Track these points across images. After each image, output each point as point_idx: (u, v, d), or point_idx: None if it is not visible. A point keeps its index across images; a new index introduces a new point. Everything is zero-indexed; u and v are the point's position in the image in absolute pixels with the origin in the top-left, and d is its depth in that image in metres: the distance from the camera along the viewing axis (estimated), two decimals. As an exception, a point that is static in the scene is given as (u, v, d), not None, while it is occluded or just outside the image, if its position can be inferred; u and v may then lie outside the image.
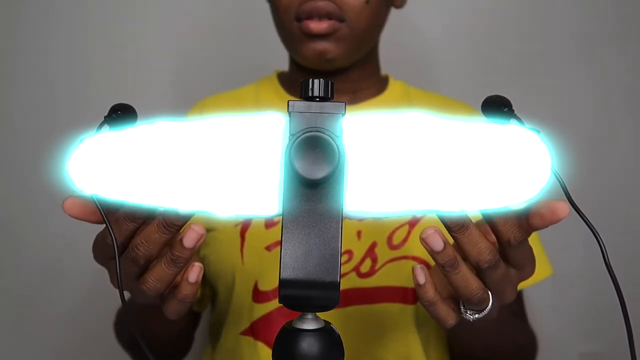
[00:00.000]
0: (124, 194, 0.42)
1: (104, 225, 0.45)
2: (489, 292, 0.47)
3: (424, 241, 0.44)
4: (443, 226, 0.44)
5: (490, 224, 0.45)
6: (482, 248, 0.44)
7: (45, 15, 1.17)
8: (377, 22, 0.79)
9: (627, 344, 0.43)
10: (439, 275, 0.49)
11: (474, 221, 0.44)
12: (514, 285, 0.49)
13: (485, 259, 0.44)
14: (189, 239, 0.44)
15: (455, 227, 0.43)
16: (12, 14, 1.17)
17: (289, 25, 0.76)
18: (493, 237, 0.46)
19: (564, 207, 0.44)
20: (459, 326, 0.50)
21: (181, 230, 0.45)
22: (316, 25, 0.73)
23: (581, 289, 1.19)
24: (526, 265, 0.48)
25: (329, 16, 0.73)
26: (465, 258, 0.46)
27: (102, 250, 0.47)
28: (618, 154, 1.20)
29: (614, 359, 1.17)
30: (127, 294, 0.48)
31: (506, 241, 0.45)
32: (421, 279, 0.46)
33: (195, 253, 0.78)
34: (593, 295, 1.16)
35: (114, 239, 0.43)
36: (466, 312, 0.49)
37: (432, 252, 0.44)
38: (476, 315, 0.48)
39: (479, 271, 0.46)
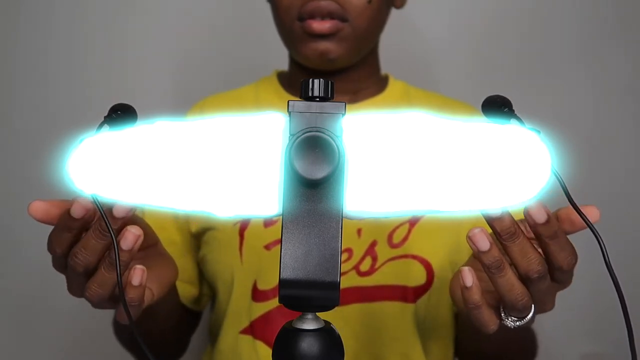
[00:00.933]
0: (124, 194, 0.42)
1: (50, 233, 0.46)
2: (532, 301, 0.47)
3: (469, 240, 0.43)
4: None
5: (547, 249, 0.44)
6: (532, 258, 0.44)
7: (45, 15, 1.17)
8: (378, 22, 0.79)
9: (627, 344, 0.43)
10: (483, 280, 0.48)
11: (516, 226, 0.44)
12: (554, 296, 0.49)
13: (535, 269, 0.44)
14: (127, 241, 0.44)
15: (506, 235, 0.43)
16: (12, 13, 1.17)
17: (291, 24, 0.75)
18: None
19: (595, 212, 0.44)
20: (477, 330, 0.50)
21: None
22: (319, 25, 0.73)
23: (581, 289, 1.18)
24: (568, 280, 0.48)
25: (331, 16, 0.73)
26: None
27: (52, 261, 0.48)
28: (618, 154, 1.20)
29: (615, 359, 1.16)
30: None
31: (559, 267, 0.45)
32: (468, 281, 0.46)
33: (189, 252, 0.79)
34: (593, 295, 1.16)
35: (114, 239, 0.43)
36: (507, 319, 0.48)
37: (477, 252, 0.43)
38: (517, 323, 0.48)
39: (526, 281, 0.45)
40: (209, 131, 0.42)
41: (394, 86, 0.85)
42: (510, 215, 0.43)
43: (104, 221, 0.43)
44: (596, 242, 0.43)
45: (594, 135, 1.18)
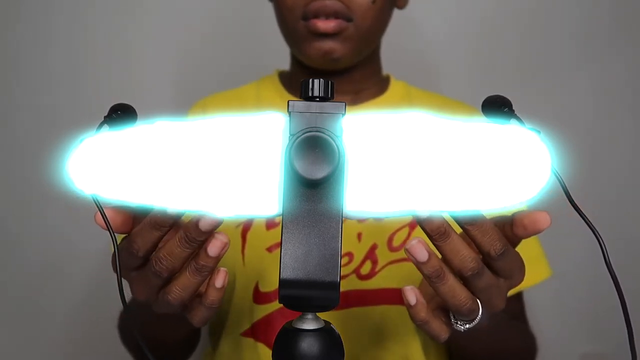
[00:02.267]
0: (124, 195, 0.42)
1: (122, 235, 0.46)
2: (478, 302, 0.47)
3: (408, 252, 0.43)
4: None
5: (469, 236, 0.44)
6: (465, 256, 0.44)
7: (46, 15, 1.17)
8: (382, 22, 0.79)
9: (627, 344, 0.43)
10: (428, 286, 0.48)
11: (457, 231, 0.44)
12: (502, 294, 0.48)
13: (468, 266, 0.44)
14: (214, 247, 0.43)
15: (436, 235, 0.43)
16: (12, 14, 1.17)
17: (295, 24, 0.75)
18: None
19: (546, 218, 0.44)
20: (455, 334, 0.50)
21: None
22: (323, 24, 0.73)
23: (581, 289, 1.19)
24: (514, 274, 0.47)
25: (336, 15, 0.73)
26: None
27: (123, 262, 0.47)
28: (618, 154, 1.20)
29: (615, 359, 1.16)
30: (127, 295, 0.47)
31: (486, 253, 0.44)
32: (412, 299, 0.46)
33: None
34: (593, 295, 1.16)
35: (114, 239, 0.43)
36: (456, 323, 0.48)
37: (417, 263, 0.44)
38: (467, 326, 0.48)
39: (463, 280, 0.45)
40: (208, 131, 0.42)
41: (395, 87, 0.85)
42: (439, 216, 0.42)
43: (104, 221, 0.43)
44: (596, 242, 0.43)
45: (594, 135, 1.18)
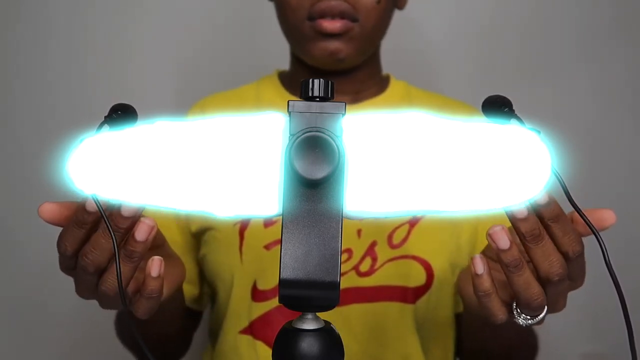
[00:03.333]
0: (124, 194, 0.42)
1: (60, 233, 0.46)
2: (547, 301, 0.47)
3: (489, 237, 0.43)
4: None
5: (551, 236, 0.44)
6: (554, 261, 0.43)
7: (46, 15, 1.17)
8: (385, 22, 0.79)
9: (627, 344, 0.43)
10: (496, 274, 0.48)
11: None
12: (565, 295, 0.49)
13: (557, 272, 0.44)
14: (141, 231, 0.44)
15: (530, 237, 0.42)
16: (12, 14, 1.17)
17: (300, 24, 0.75)
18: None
19: (611, 215, 0.45)
20: (482, 329, 0.50)
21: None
22: (330, 25, 0.73)
23: (582, 289, 1.19)
24: (579, 277, 0.48)
25: (341, 15, 0.73)
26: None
27: (61, 262, 0.48)
28: (618, 154, 1.20)
29: (615, 359, 1.16)
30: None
31: (564, 253, 0.44)
32: (479, 268, 0.45)
33: (189, 251, 0.79)
34: (594, 295, 1.16)
35: (113, 239, 0.43)
36: (519, 317, 0.48)
37: (497, 250, 0.43)
38: (529, 321, 0.48)
39: (546, 283, 0.45)
40: (209, 131, 0.42)
41: (395, 86, 0.85)
42: (535, 216, 0.42)
43: (104, 221, 0.43)
44: (596, 242, 0.43)
45: (594, 135, 1.18)
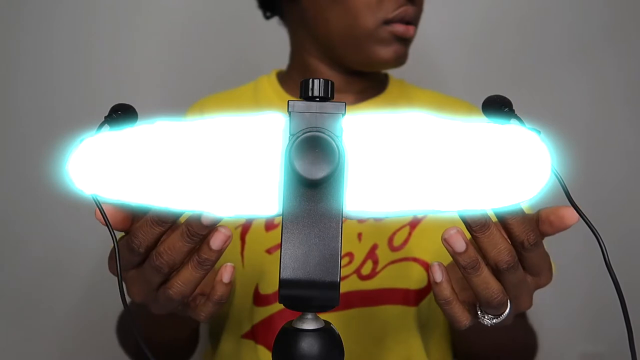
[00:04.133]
0: (124, 194, 0.42)
1: (120, 233, 0.45)
2: (507, 297, 0.47)
3: (445, 242, 0.43)
4: (461, 226, 0.44)
5: (504, 225, 0.44)
6: (502, 249, 0.44)
7: (46, 16, 1.17)
8: None
9: (627, 344, 0.43)
10: (456, 276, 0.48)
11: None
12: (530, 293, 0.48)
13: (504, 259, 0.44)
14: (217, 240, 0.44)
15: (477, 227, 0.43)
16: (13, 14, 1.17)
17: (375, 27, 0.75)
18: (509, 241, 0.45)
19: (572, 214, 0.44)
20: (470, 327, 0.50)
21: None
22: (407, 30, 0.76)
23: (581, 289, 1.19)
24: (542, 272, 0.47)
25: (413, 22, 0.77)
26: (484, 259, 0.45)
27: (123, 260, 0.47)
28: (618, 154, 1.20)
29: (615, 359, 1.16)
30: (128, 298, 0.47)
31: (520, 243, 0.44)
32: (438, 276, 0.45)
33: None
34: (593, 295, 1.16)
35: (114, 241, 0.43)
36: (484, 317, 0.48)
37: (453, 253, 0.43)
38: (494, 320, 0.48)
39: (497, 273, 0.45)
40: (209, 131, 0.42)
41: (393, 85, 0.86)
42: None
43: (104, 221, 0.43)
44: (596, 241, 0.43)
45: (593, 135, 1.18)
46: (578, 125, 1.15)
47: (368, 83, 0.83)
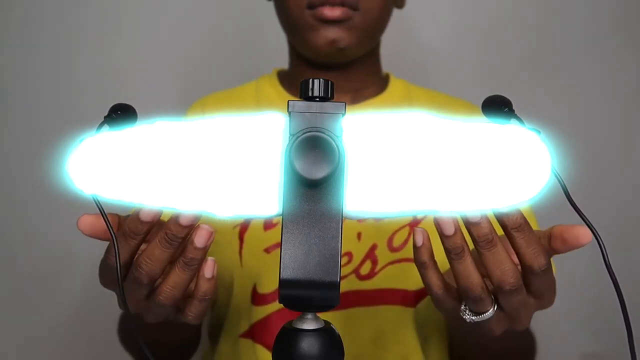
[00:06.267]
0: (124, 194, 0.42)
1: (108, 246, 0.45)
2: (492, 300, 0.46)
3: (436, 223, 0.43)
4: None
5: (515, 247, 0.43)
6: (507, 269, 0.43)
7: (45, 14, 1.17)
8: (386, 15, 0.80)
9: (627, 344, 0.43)
10: (450, 277, 0.48)
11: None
12: (530, 313, 0.48)
13: (508, 281, 0.43)
14: (200, 238, 0.43)
15: (483, 242, 0.42)
16: (10, 12, 1.17)
17: (300, 13, 0.75)
18: (516, 259, 0.44)
19: (587, 233, 0.43)
20: (465, 336, 0.49)
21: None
22: (330, 12, 0.73)
23: (581, 290, 1.19)
24: (546, 294, 0.47)
25: (342, 4, 0.74)
26: (485, 276, 0.44)
27: (106, 274, 0.47)
28: (618, 154, 1.20)
29: (615, 359, 1.16)
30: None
31: (528, 267, 0.43)
32: (419, 240, 0.45)
33: None
34: (593, 296, 1.16)
35: (115, 244, 0.43)
36: (465, 312, 0.48)
37: (441, 235, 0.43)
38: (474, 318, 0.47)
39: (499, 293, 0.45)
40: (209, 131, 0.42)
41: (394, 85, 0.85)
42: (489, 222, 0.42)
43: (105, 221, 0.43)
44: (596, 242, 0.43)
45: (594, 136, 1.18)
46: (578, 125, 1.15)
47: (360, 82, 0.82)
